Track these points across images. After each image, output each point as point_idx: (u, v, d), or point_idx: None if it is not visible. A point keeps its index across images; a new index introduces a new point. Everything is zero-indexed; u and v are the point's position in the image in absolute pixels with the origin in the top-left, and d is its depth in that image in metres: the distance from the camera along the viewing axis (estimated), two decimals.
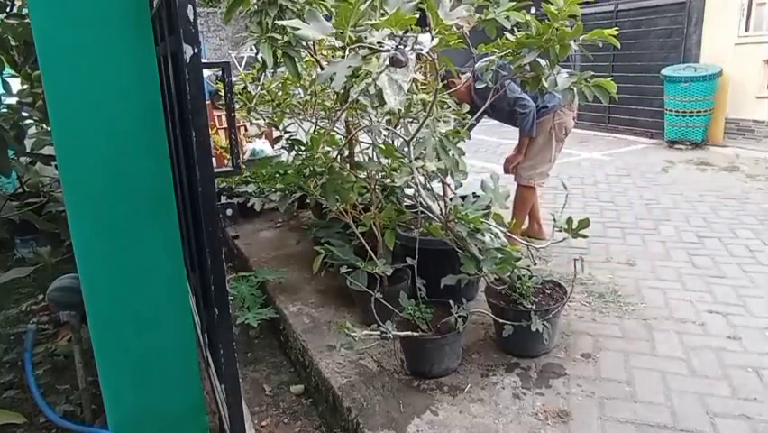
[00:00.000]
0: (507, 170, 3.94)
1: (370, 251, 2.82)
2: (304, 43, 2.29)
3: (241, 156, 5.25)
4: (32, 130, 3.06)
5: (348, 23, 1.68)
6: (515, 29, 2.50)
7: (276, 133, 4.44)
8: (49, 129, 2.26)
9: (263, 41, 2.07)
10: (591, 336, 2.65)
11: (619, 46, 2.61)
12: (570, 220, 2.29)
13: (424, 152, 2.10)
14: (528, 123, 3.57)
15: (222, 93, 5.14)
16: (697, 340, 2.59)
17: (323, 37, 1.69)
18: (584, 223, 2.26)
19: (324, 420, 2.42)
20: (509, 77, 2.79)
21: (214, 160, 3.58)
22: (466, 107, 2.94)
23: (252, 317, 2.86)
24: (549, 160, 3.76)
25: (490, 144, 7.83)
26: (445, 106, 2.71)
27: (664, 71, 7.41)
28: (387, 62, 1.56)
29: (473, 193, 2.83)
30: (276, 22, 2.06)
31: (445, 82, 3.45)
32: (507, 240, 2.68)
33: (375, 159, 2.76)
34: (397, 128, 2.44)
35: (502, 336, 2.39)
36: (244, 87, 4.01)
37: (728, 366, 2.38)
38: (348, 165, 3.35)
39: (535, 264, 2.61)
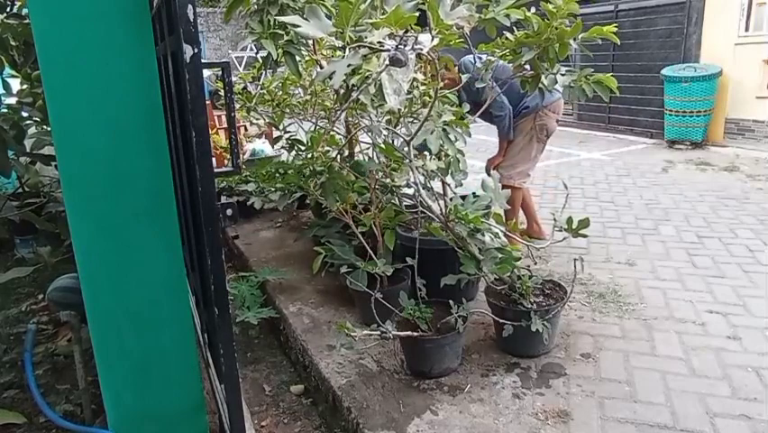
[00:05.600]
0: (488, 171, 3.90)
1: (370, 251, 2.82)
2: (304, 41, 2.29)
3: (241, 156, 5.25)
4: (32, 130, 3.05)
5: (348, 22, 1.68)
6: (515, 27, 2.50)
7: (276, 133, 4.44)
8: (49, 129, 2.26)
9: (266, 36, 2.08)
10: (591, 336, 2.65)
11: (619, 43, 2.61)
12: (570, 220, 2.28)
13: (428, 137, 2.08)
14: (505, 125, 3.52)
15: (222, 93, 5.14)
16: (697, 340, 2.59)
17: (323, 35, 1.69)
18: (584, 223, 2.26)
19: (324, 420, 2.42)
20: (511, 77, 2.79)
21: (213, 160, 3.58)
22: (466, 107, 2.94)
23: (253, 315, 2.86)
24: (529, 159, 3.69)
25: (491, 144, 7.73)
26: (446, 103, 2.71)
27: (664, 71, 7.41)
28: (387, 62, 1.55)
29: (473, 193, 2.82)
30: (277, 19, 2.06)
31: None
32: (507, 240, 2.67)
33: (375, 159, 2.76)
34: (398, 128, 2.44)
35: (502, 336, 2.39)
36: (244, 87, 4.02)
37: (728, 366, 2.38)
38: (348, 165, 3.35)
39: (535, 264, 2.61)
